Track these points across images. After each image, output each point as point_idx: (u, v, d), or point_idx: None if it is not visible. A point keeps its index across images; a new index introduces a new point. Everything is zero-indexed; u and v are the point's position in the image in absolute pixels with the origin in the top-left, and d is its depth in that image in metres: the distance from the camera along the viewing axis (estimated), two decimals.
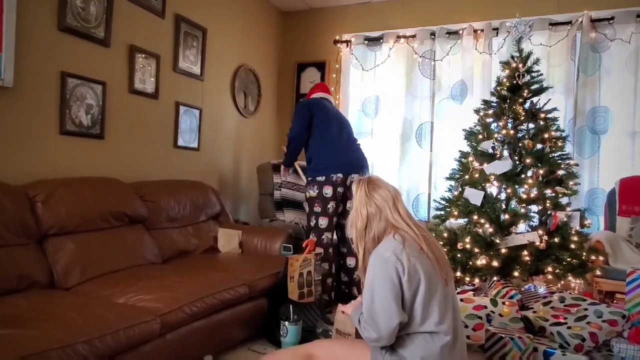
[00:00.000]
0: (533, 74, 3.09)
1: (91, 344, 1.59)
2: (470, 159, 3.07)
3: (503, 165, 2.93)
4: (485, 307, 2.52)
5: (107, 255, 2.41)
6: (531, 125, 3.05)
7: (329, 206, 3.07)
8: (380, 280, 1.49)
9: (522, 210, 2.88)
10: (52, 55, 2.56)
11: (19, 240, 2.13)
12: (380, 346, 1.53)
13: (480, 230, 2.88)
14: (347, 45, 4.52)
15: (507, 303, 2.54)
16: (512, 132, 2.99)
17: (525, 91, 3.04)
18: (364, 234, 1.64)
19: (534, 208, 2.95)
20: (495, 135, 3.03)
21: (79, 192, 2.43)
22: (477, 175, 3.00)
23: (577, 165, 3.15)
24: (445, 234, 3.01)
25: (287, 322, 2.39)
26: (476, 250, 2.82)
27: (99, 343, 1.62)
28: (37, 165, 2.51)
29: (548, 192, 2.88)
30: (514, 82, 3.06)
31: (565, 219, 2.86)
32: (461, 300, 2.49)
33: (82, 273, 2.24)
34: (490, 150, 3.02)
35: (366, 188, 1.66)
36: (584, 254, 2.84)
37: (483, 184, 2.99)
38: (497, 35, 3.96)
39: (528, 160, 2.92)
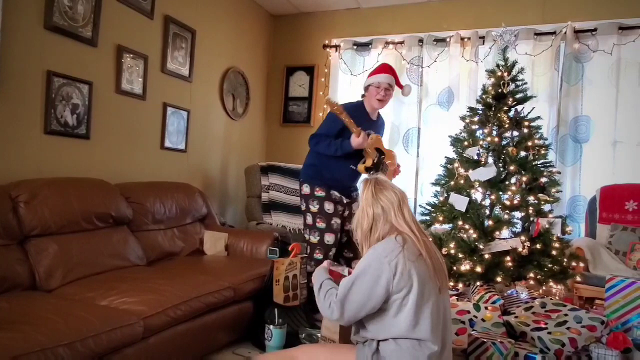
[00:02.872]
0: (518, 83, 3.14)
1: (73, 347, 1.58)
2: (456, 165, 3.10)
3: (487, 171, 2.97)
4: (468, 312, 2.55)
5: (91, 257, 2.39)
6: (515, 133, 3.10)
7: None
8: (368, 275, 1.51)
9: (506, 217, 2.92)
10: (38, 54, 2.53)
11: (0, 241, 2.09)
12: (364, 341, 1.58)
13: (465, 236, 2.91)
14: (336, 50, 4.55)
15: (489, 308, 2.58)
16: (496, 139, 3.03)
17: (510, 99, 3.08)
18: (369, 234, 1.65)
19: (517, 214, 2.99)
20: (481, 142, 3.07)
21: (63, 192, 2.40)
22: (462, 181, 3.03)
23: (559, 173, 3.20)
24: (430, 239, 3.03)
25: (271, 326, 2.39)
26: (460, 255, 2.85)
27: (80, 346, 1.61)
28: (20, 165, 2.48)
29: (531, 199, 2.93)
30: (499, 90, 3.11)
31: (547, 226, 2.90)
32: None
33: (64, 275, 2.22)
34: (476, 157, 3.06)
35: (373, 189, 1.67)
36: (565, 260, 2.89)
37: (468, 190, 3.02)
38: (483, 44, 4.03)
39: (512, 168, 2.96)
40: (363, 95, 3.11)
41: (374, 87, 3.00)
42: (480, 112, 3.19)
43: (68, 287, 2.16)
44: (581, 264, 3.01)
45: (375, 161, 2.95)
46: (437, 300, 1.53)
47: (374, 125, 3.07)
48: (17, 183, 2.30)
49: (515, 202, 2.89)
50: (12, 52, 2.39)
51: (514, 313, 2.70)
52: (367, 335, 1.59)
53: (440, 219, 3.07)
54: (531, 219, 2.95)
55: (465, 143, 3.13)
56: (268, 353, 2.35)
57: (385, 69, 3.09)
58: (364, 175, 2.99)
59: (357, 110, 2.96)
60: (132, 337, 1.84)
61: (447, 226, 3.10)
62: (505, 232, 2.96)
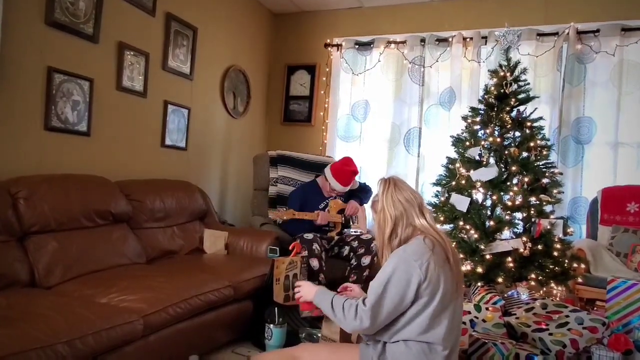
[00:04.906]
0: (520, 83, 3.12)
1: (72, 344, 1.57)
2: (457, 165, 3.09)
3: (489, 172, 2.96)
4: (469, 312, 2.54)
5: (90, 254, 2.38)
6: (517, 134, 3.09)
7: None
8: (398, 280, 1.45)
9: (507, 217, 2.91)
10: (39, 49, 2.52)
11: None
12: (368, 340, 1.53)
13: (466, 236, 2.90)
14: (338, 49, 4.54)
15: (490, 309, 2.56)
16: (498, 139, 3.02)
17: (512, 100, 3.07)
18: (390, 239, 1.57)
19: (519, 215, 2.97)
20: (482, 143, 3.06)
21: (62, 189, 2.39)
22: (463, 181, 3.02)
23: (561, 174, 3.19)
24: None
25: (271, 325, 2.38)
26: (461, 255, 2.84)
27: (80, 344, 1.60)
28: (20, 161, 2.47)
29: (532, 199, 2.92)
30: (502, 90, 3.09)
31: (548, 227, 2.89)
32: None
33: (64, 272, 2.21)
34: (477, 157, 3.05)
35: (393, 189, 1.60)
36: (566, 261, 2.88)
37: (469, 191, 3.01)
38: (485, 44, 4.02)
39: (514, 168, 2.95)
40: (317, 176, 3.59)
41: (329, 187, 3.39)
42: (482, 112, 3.18)
43: (67, 285, 2.15)
44: (582, 266, 3.00)
45: (343, 223, 3.45)
46: (455, 306, 1.50)
47: (331, 198, 3.49)
48: (17, 179, 2.29)
49: (517, 202, 2.88)
50: (12, 48, 2.38)
51: (515, 314, 2.69)
52: (376, 336, 1.55)
53: (442, 219, 3.05)
54: (532, 219, 2.94)
55: (467, 143, 3.11)
56: (268, 352, 2.34)
57: (345, 180, 3.40)
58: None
59: (311, 192, 3.48)
60: (132, 335, 1.83)
61: (448, 226, 3.08)
62: (506, 233, 2.95)
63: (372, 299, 1.46)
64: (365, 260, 3.13)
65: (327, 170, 3.42)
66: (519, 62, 3.16)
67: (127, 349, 1.83)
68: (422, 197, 1.64)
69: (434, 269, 1.44)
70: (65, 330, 1.59)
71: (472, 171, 3.00)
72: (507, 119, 3.04)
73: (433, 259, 1.46)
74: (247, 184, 4.14)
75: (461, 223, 2.94)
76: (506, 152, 3.03)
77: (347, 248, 3.29)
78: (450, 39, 4.10)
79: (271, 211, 3.29)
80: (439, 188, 3.20)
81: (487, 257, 2.81)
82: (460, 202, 2.98)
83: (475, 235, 2.86)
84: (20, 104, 2.45)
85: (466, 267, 2.81)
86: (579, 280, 2.99)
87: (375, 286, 1.48)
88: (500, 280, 2.83)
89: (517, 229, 2.96)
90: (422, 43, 4.21)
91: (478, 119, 3.16)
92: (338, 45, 4.53)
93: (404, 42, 4.28)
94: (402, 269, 1.45)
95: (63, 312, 1.72)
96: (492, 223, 2.92)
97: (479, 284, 2.90)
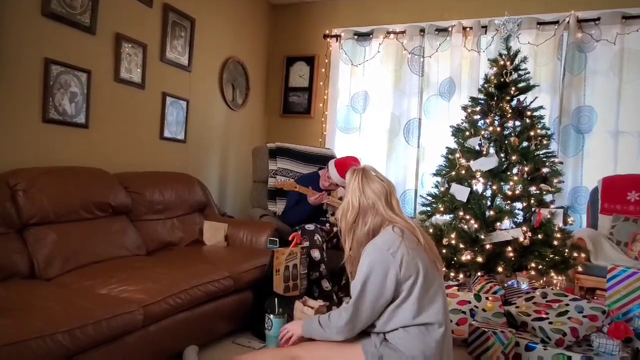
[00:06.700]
0: (520, 72, 3.11)
1: (72, 334, 1.57)
2: (457, 155, 3.08)
3: (489, 162, 2.95)
4: (469, 302, 2.55)
5: (90, 246, 2.38)
6: (517, 123, 3.08)
7: None
8: (377, 272, 1.49)
9: (507, 207, 2.91)
10: (36, 41, 2.50)
11: None
12: (349, 336, 1.54)
13: (466, 226, 2.90)
14: (337, 40, 4.51)
15: (490, 298, 2.57)
16: (498, 129, 3.01)
17: (513, 89, 3.06)
18: (354, 226, 1.62)
19: (519, 205, 2.98)
20: (482, 132, 3.05)
21: (61, 181, 2.39)
22: (463, 171, 3.02)
23: (561, 163, 3.19)
24: (431, 230, 3.03)
25: (271, 315, 2.38)
26: (461, 245, 2.84)
27: (80, 333, 1.60)
28: (18, 154, 2.46)
29: (532, 189, 2.91)
30: (502, 79, 3.08)
31: (548, 216, 2.89)
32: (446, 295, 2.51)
33: (63, 263, 2.21)
34: (477, 147, 3.04)
35: (360, 180, 1.63)
36: (567, 250, 2.88)
37: (469, 181, 3.01)
38: (485, 33, 3.99)
39: (514, 158, 2.94)
40: (320, 169, 3.54)
41: (327, 179, 3.32)
42: (482, 102, 3.17)
43: (67, 276, 2.15)
44: (582, 255, 3.00)
45: None
46: (440, 282, 1.56)
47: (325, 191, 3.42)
48: (15, 171, 2.29)
49: (517, 192, 2.88)
50: (9, 39, 2.36)
51: (515, 303, 2.69)
52: (372, 329, 1.57)
53: (441, 209, 3.06)
54: (533, 209, 2.94)
55: (467, 133, 3.11)
56: (264, 349, 2.34)
57: (343, 171, 3.29)
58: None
59: (311, 181, 3.41)
60: (132, 325, 1.83)
61: (448, 217, 3.09)
62: (506, 223, 2.95)
63: (354, 296, 1.51)
64: None
65: (331, 161, 3.44)
66: (519, 51, 3.15)
67: (128, 339, 1.83)
68: (391, 186, 1.66)
69: (407, 253, 1.49)
70: (65, 320, 1.60)
71: (472, 161, 3.00)
72: (507, 108, 3.03)
73: (404, 243, 1.50)
74: (247, 176, 4.14)
75: (461, 213, 2.94)
76: (506, 141, 3.02)
77: None
78: (449, 29, 4.07)
79: (278, 180, 3.40)
80: (438, 178, 3.20)
81: (487, 246, 2.81)
82: (460, 192, 2.98)
83: (476, 225, 2.86)
84: (17, 96, 2.44)
85: (466, 256, 2.81)
86: (579, 269, 2.99)
87: (356, 283, 1.52)
88: (500, 269, 2.83)
89: (517, 218, 2.96)
90: (422, 33, 4.18)
91: (478, 108, 3.15)
92: (337, 36, 4.50)
93: (403, 32, 4.25)
94: (378, 260, 1.50)
95: (63, 303, 1.72)
96: (492, 213, 2.92)
97: (479, 273, 2.90)
